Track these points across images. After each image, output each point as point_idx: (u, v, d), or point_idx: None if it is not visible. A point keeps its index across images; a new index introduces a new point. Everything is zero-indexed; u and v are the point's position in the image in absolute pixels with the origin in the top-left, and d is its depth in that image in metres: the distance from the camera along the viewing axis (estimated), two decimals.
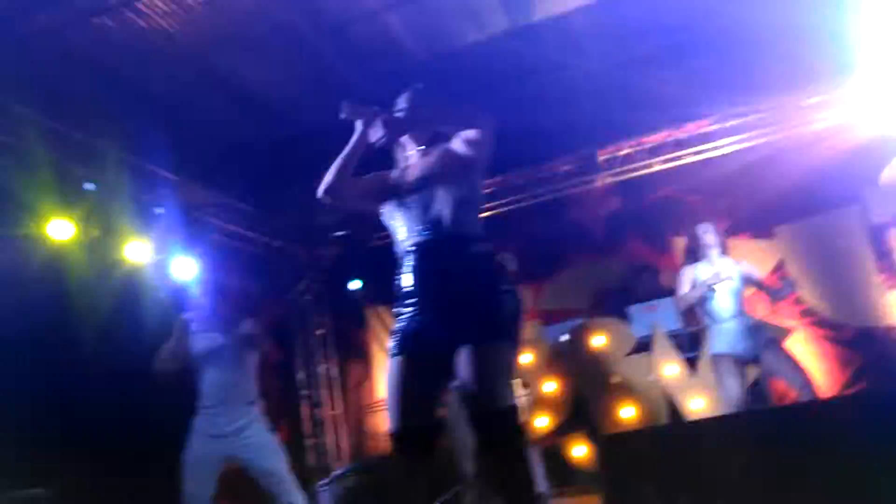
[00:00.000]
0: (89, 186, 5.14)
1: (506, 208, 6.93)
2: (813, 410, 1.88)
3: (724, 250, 4.36)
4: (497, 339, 2.23)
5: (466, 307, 2.26)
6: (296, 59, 5.29)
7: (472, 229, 2.45)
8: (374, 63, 5.69)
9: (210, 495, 3.73)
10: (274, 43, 5.25)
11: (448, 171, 2.51)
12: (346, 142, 2.57)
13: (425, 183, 2.49)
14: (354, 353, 7.71)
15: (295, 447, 7.12)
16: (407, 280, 2.38)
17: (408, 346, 2.30)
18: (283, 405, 7.29)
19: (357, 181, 2.60)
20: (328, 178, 2.53)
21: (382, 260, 2.88)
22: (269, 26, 5.06)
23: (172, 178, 5.98)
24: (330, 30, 5.24)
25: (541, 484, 4.17)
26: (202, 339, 4.01)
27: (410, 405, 2.24)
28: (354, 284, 7.28)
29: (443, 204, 2.43)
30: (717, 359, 4.19)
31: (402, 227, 2.50)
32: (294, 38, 5.22)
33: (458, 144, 2.55)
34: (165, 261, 5.26)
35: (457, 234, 2.39)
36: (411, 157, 2.66)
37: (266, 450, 3.83)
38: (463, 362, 2.18)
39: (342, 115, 2.49)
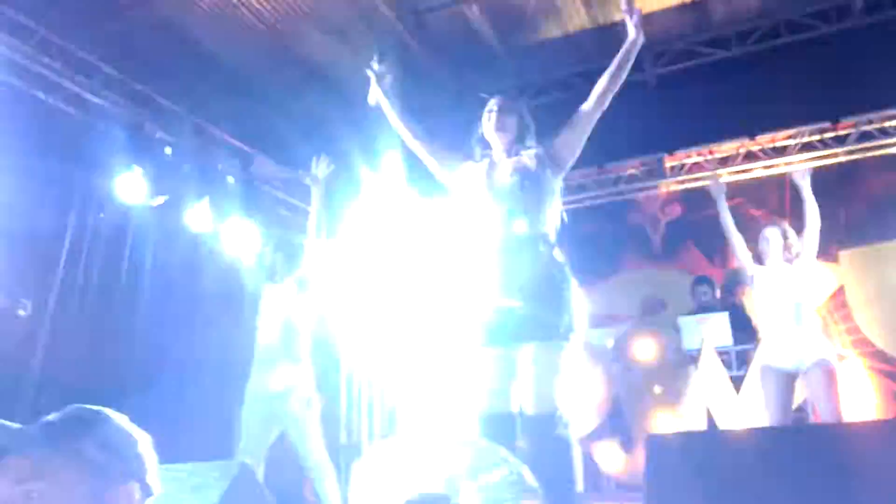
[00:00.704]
0: (166, 150, 5.33)
1: (567, 206, 6.87)
2: (853, 431, 1.84)
3: (789, 259, 4.20)
4: (564, 339, 2.43)
5: (544, 307, 2.45)
6: (374, 43, 5.37)
7: (551, 232, 2.64)
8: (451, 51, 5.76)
9: (258, 449, 3.83)
10: (354, 25, 5.35)
11: (541, 173, 2.66)
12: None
13: (520, 183, 2.64)
14: None
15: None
16: (492, 273, 2.56)
17: (489, 339, 2.51)
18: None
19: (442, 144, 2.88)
20: (402, 131, 2.90)
21: None
22: (350, 9, 5.16)
23: (246, 148, 6.14)
24: (409, 14, 5.32)
25: (578, 482, 4.19)
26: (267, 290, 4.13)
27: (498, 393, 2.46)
28: None
29: (532, 205, 2.60)
30: (765, 370, 4.08)
31: (488, 221, 2.66)
32: (374, 21, 5.32)
33: (558, 146, 2.70)
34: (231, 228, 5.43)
35: (540, 236, 2.58)
36: (501, 156, 2.79)
37: (300, 423, 3.86)
38: (527, 360, 2.39)
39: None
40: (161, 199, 5.19)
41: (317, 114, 7.35)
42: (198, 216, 5.32)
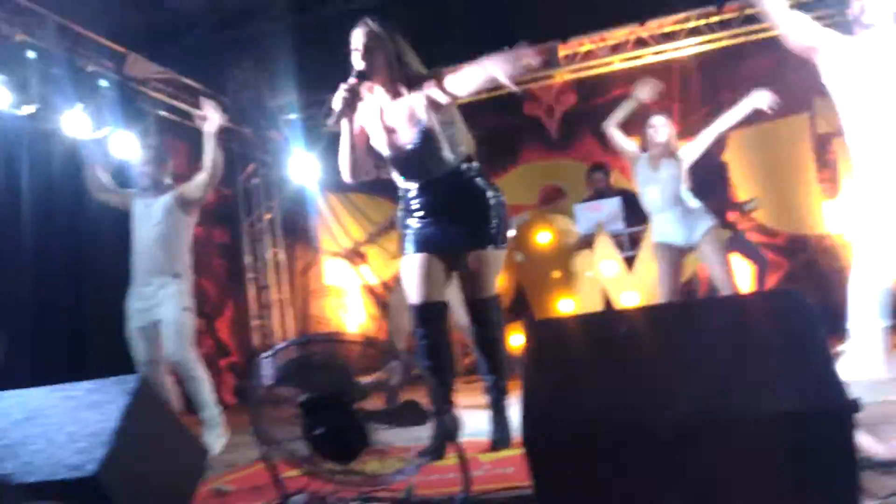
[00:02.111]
0: (30, 53, 4.87)
1: (464, 100, 6.81)
2: (738, 303, 1.97)
3: (672, 147, 4.42)
4: (488, 245, 2.80)
5: (464, 222, 2.80)
6: None
7: (461, 157, 2.82)
8: None
9: (154, 360, 3.91)
10: None
11: (433, 115, 2.74)
12: (300, 15, 2.70)
13: (416, 135, 2.76)
14: (303, 237, 7.71)
15: (240, 327, 7.23)
16: (419, 206, 2.86)
17: (422, 247, 2.85)
18: (230, 286, 7.33)
19: (369, 155, 2.94)
20: (346, 168, 2.92)
21: (334, 146, 2.95)
22: None
23: (117, 48, 5.69)
24: None
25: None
26: (139, 203, 4.04)
27: (427, 289, 2.84)
28: (305, 169, 7.17)
29: (438, 148, 2.75)
30: (655, 247, 4.40)
31: (401, 174, 2.89)
32: None
33: (433, 91, 2.72)
34: (106, 136, 5.10)
35: (454, 166, 2.79)
36: (387, 104, 2.83)
37: (171, 328, 3.87)
38: (462, 262, 2.82)
39: (332, 125, 2.81)
40: (30, 109, 4.78)
41: (194, 9, 6.89)
42: (74, 122, 4.93)
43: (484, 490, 1.98)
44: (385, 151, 2.88)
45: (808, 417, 1.43)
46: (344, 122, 2.83)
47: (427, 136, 2.77)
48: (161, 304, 3.89)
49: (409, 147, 2.81)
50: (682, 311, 1.96)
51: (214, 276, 7.11)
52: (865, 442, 1.95)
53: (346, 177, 2.96)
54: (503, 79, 2.56)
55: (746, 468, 1.47)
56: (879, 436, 2.02)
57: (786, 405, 1.46)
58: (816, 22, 3.18)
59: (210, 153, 3.98)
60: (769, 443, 1.46)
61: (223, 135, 6.83)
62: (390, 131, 2.85)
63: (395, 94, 2.82)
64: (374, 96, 2.87)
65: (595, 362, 1.71)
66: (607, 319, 1.99)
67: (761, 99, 4.30)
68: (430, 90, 2.74)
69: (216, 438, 3.89)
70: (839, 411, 1.41)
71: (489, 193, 2.86)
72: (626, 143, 4.51)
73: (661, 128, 4.42)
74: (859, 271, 3.05)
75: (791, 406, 1.45)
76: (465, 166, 2.84)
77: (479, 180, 2.86)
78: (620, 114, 4.50)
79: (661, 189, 4.36)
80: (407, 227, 2.94)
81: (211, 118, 3.99)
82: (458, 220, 2.82)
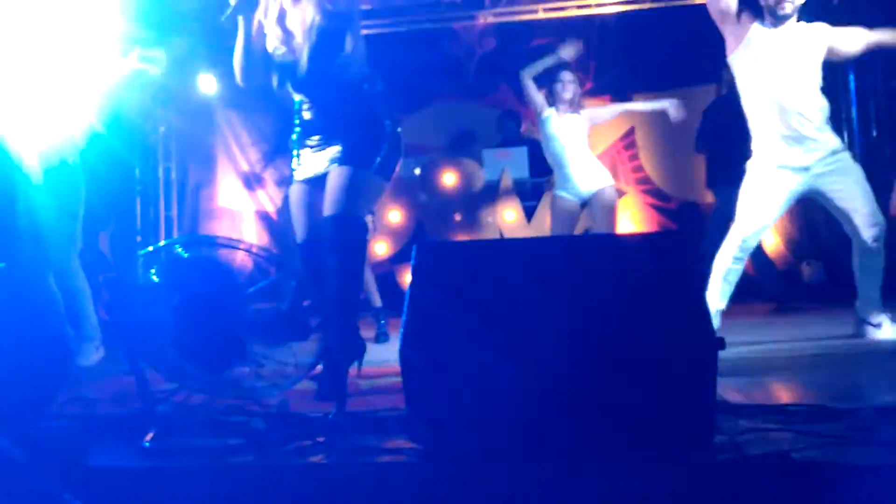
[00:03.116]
0: None
1: (381, 30, 6.64)
2: (617, 241, 2.01)
3: (578, 104, 4.47)
4: (355, 163, 2.56)
5: (344, 138, 2.60)
6: None
7: (352, 74, 2.63)
8: None
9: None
10: None
11: (323, 26, 2.57)
12: None
13: (311, 39, 2.58)
14: (198, 155, 7.36)
15: (124, 242, 6.88)
16: (305, 122, 2.69)
17: (306, 173, 2.67)
18: (117, 198, 6.94)
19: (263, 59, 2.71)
20: (239, 70, 2.70)
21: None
22: None
23: None
24: None
25: (376, 300, 4.39)
26: None
27: (309, 220, 2.64)
28: (207, 81, 6.82)
29: (330, 56, 2.58)
30: (554, 200, 4.48)
31: (292, 81, 2.67)
32: None
33: None
34: None
35: (339, 83, 2.61)
36: (288, 7, 2.65)
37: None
38: (328, 179, 2.57)
39: (224, 20, 2.61)
40: None
41: None
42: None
43: (357, 411, 1.96)
44: (280, 57, 2.68)
45: (675, 350, 1.48)
46: (240, 20, 2.62)
47: (323, 40, 2.59)
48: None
49: (304, 51, 2.62)
50: (570, 244, 1.99)
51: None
52: (720, 388, 2.06)
53: (239, 79, 2.73)
54: None
55: (617, 394, 1.51)
56: (733, 385, 2.15)
57: (654, 338, 1.50)
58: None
59: None
60: (638, 370, 1.50)
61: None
62: (287, 34, 2.66)
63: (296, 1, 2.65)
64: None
65: (479, 288, 1.70)
66: (497, 247, 1.99)
67: (673, 109, 4.49)
68: None
69: (90, 353, 3.73)
70: (705, 347, 1.47)
71: (377, 119, 2.67)
72: (537, 96, 4.52)
73: (568, 83, 4.45)
74: (739, 259, 3.21)
75: (659, 339, 1.49)
76: (365, 86, 2.67)
77: (370, 101, 2.67)
78: (539, 66, 4.50)
79: (562, 144, 4.41)
80: (294, 149, 2.75)
81: None
82: (337, 139, 2.62)
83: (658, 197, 6.70)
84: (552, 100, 4.47)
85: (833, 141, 3.23)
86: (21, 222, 3.71)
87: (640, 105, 4.58)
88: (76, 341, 3.72)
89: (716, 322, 3.16)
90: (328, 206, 2.53)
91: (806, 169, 3.18)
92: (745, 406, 1.80)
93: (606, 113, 4.61)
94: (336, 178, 2.56)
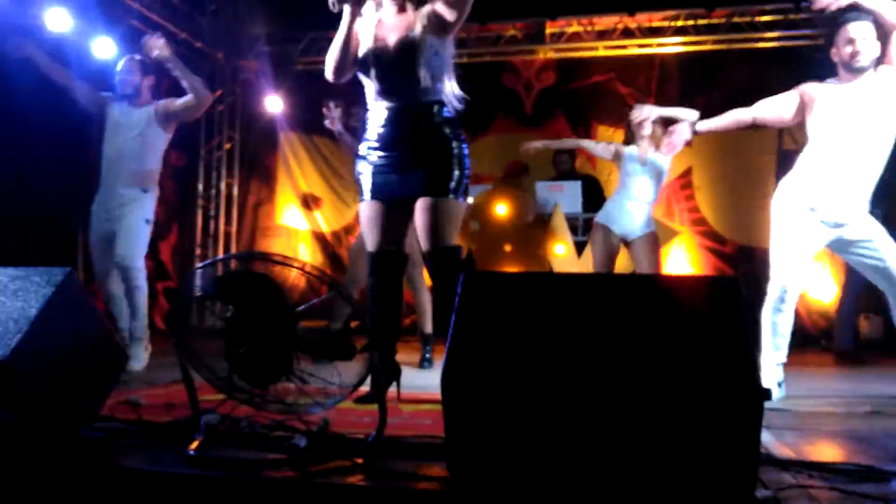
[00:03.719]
0: None
1: None
2: (666, 282, 1.99)
3: (656, 142, 4.45)
4: (448, 194, 2.67)
5: (429, 166, 2.67)
6: None
7: (440, 94, 2.71)
8: None
9: (108, 270, 3.95)
10: None
11: (428, 34, 2.62)
12: None
13: (404, 46, 2.64)
14: (259, 173, 7.57)
15: (182, 254, 7.09)
16: (380, 136, 2.74)
17: (378, 194, 2.77)
18: (179, 210, 7.17)
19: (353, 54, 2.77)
20: (332, 62, 2.74)
21: (305, 85, 2.87)
22: None
23: None
24: None
25: (427, 327, 4.42)
26: (115, 109, 4.00)
27: (385, 236, 2.78)
28: (272, 103, 7.02)
29: (419, 68, 2.62)
30: (596, 226, 4.48)
31: (375, 87, 2.73)
32: None
33: (440, 6, 2.61)
34: (86, 36, 4.95)
35: (428, 101, 2.68)
36: (388, 16, 2.72)
37: (129, 234, 3.87)
38: (419, 210, 2.69)
39: (333, 9, 2.63)
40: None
41: None
42: (57, 20, 4.79)
43: (397, 435, 1.98)
44: (367, 60, 2.73)
45: (720, 398, 1.46)
46: (347, 10, 2.65)
47: (411, 48, 2.63)
48: (123, 215, 3.87)
49: (390, 55, 2.67)
50: (619, 283, 1.98)
51: (164, 198, 6.92)
52: (769, 441, 2.02)
53: (329, 72, 2.77)
54: None
55: (658, 440, 1.50)
56: (783, 440, 2.10)
57: (701, 385, 1.48)
58: None
59: (183, 76, 3.90)
60: (682, 417, 1.48)
61: (195, 55, 6.66)
62: (379, 41, 2.71)
63: (401, 10, 2.71)
64: (378, 8, 2.75)
65: (525, 321, 1.71)
66: (546, 280, 1.99)
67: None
68: (437, 4, 2.63)
69: (140, 351, 3.87)
70: (750, 396, 1.44)
71: (454, 143, 2.73)
72: (602, 148, 4.62)
73: (646, 122, 4.42)
74: (785, 307, 3.13)
75: (704, 386, 1.48)
76: (437, 107, 2.72)
77: (448, 126, 2.73)
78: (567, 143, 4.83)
79: (642, 181, 4.41)
80: (364, 163, 2.81)
81: (156, 47, 3.85)
82: (418, 164, 2.69)
83: (714, 239, 6.61)
84: (630, 138, 4.48)
85: (868, 201, 3.13)
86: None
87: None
88: (129, 341, 3.86)
89: (778, 374, 3.08)
90: (440, 238, 2.67)
91: (841, 225, 3.09)
92: (792, 461, 1.75)
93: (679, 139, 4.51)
94: (434, 211, 2.67)
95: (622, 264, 4.67)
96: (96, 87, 4.10)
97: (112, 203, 3.91)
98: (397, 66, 2.67)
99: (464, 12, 2.63)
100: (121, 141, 3.92)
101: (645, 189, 4.41)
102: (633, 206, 4.40)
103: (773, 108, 3.32)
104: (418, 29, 2.63)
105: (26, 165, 5.06)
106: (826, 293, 6.15)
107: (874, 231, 3.10)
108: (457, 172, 2.71)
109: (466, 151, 2.79)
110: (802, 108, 3.22)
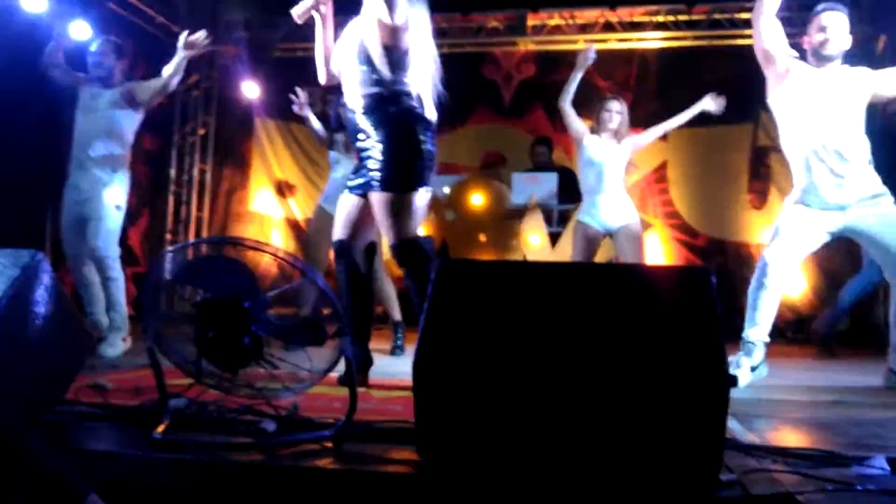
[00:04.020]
0: None
1: None
2: (638, 272, 2.00)
3: (620, 135, 4.48)
4: (399, 189, 2.72)
5: (390, 158, 2.70)
6: None
7: (400, 84, 2.75)
8: None
9: (81, 255, 3.91)
10: None
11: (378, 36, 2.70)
12: None
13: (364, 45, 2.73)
14: (233, 159, 7.49)
15: (152, 239, 7.01)
16: (351, 126, 2.83)
17: (352, 186, 2.85)
18: (151, 195, 7.08)
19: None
20: (321, 71, 2.94)
21: (282, 72, 2.90)
22: None
23: None
24: None
25: (396, 314, 4.41)
26: (86, 91, 3.96)
27: (341, 226, 2.87)
28: (249, 89, 6.95)
29: (382, 63, 2.69)
30: (578, 225, 4.49)
31: (351, 84, 2.80)
32: None
33: (382, 13, 2.67)
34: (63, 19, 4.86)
35: (394, 92, 2.72)
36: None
37: (101, 224, 3.84)
38: (376, 204, 2.74)
39: (298, 21, 2.79)
40: None
41: None
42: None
43: (367, 420, 1.98)
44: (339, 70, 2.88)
45: (688, 384, 1.48)
46: (317, 17, 2.81)
47: (366, 52, 2.73)
48: (94, 198, 3.83)
49: (351, 62, 2.79)
50: (590, 271, 1.99)
51: (136, 183, 6.82)
52: (735, 427, 2.05)
53: (322, 77, 2.95)
54: None
55: (626, 426, 1.51)
56: (749, 426, 2.12)
57: (669, 371, 1.50)
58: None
59: (173, 68, 3.89)
60: (649, 403, 1.50)
61: (171, 39, 6.56)
62: (346, 48, 2.84)
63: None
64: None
65: (498, 309, 1.71)
66: (519, 269, 2.00)
67: (712, 103, 4.43)
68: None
69: (117, 340, 3.82)
70: (716, 383, 1.46)
71: (419, 134, 2.74)
72: (577, 123, 4.54)
73: (615, 114, 4.47)
74: (767, 282, 3.16)
75: (672, 373, 1.49)
76: (405, 95, 2.75)
77: (410, 114, 2.75)
78: (571, 87, 4.52)
79: (599, 172, 4.42)
80: (336, 151, 2.92)
81: (198, 44, 3.89)
82: (378, 156, 2.74)
83: (686, 232, 6.68)
84: (597, 128, 4.49)
85: (874, 183, 3.16)
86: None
87: (678, 119, 4.53)
88: (107, 330, 3.82)
89: (758, 355, 3.13)
90: (387, 232, 2.75)
91: (842, 208, 3.12)
92: (756, 447, 1.78)
93: (648, 137, 4.59)
94: (383, 204, 2.72)
95: (602, 256, 4.70)
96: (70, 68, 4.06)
97: (83, 184, 3.86)
98: (355, 69, 2.76)
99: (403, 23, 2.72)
100: (91, 122, 3.89)
101: (609, 178, 4.41)
102: (607, 197, 4.41)
103: (777, 34, 3.25)
104: (370, 35, 2.72)
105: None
106: (794, 288, 6.24)
107: (883, 215, 3.10)
108: (415, 164, 2.74)
109: (431, 146, 2.79)
110: (780, 63, 3.21)
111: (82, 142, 3.90)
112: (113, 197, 3.87)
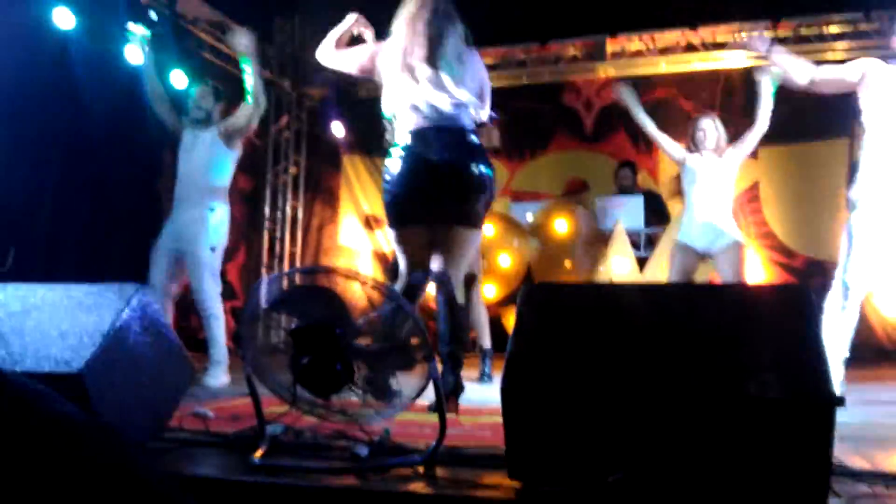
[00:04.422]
0: None
1: (504, 83, 6.81)
2: (742, 292, 1.94)
3: (720, 150, 4.35)
4: (464, 223, 2.81)
5: (449, 193, 2.75)
6: None
7: (467, 121, 2.83)
8: None
9: (164, 284, 3.98)
10: None
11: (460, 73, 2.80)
12: None
13: (435, 71, 2.78)
14: (323, 195, 7.74)
15: (249, 274, 7.28)
16: (404, 160, 2.82)
17: (403, 217, 2.87)
18: (247, 232, 7.39)
19: (350, 52, 3.00)
20: (324, 45, 3.00)
21: (367, 111, 3.01)
22: None
23: None
24: None
25: (486, 342, 4.44)
26: (188, 133, 4.15)
27: (412, 259, 2.90)
28: (336, 128, 7.19)
29: (446, 95, 2.75)
30: (675, 245, 4.36)
31: (405, 109, 2.84)
32: None
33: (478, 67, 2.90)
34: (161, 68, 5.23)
35: (453, 126, 2.78)
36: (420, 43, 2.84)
37: (199, 263, 3.96)
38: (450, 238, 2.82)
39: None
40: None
41: None
42: (134, 51, 5.09)
43: (457, 445, 1.98)
44: (399, 83, 2.88)
45: (792, 405, 1.42)
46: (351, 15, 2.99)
47: (441, 78, 2.78)
48: (194, 237, 3.96)
49: (424, 79, 2.81)
50: (685, 292, 1.94)
51: (232, 221, 7.14)
52: (842, 451, 1.94)
53: (322, 52, 3.05)
54: None
55: (726, 448, 1.46)
56: (860, 452, 2.01)
57: (770, 391, 1.44)
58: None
59: (252, 78, 4.03)
60: (751, 425, 1.44)
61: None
62: (410, 69, 2.85)
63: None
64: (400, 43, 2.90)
65: (588, 331, 1.70)
66: (609, 291, 1.97)
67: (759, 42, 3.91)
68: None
69: (218, 376, 3.93)
70: (822, 403, 1.39)
71: (480, 167, 2.80)
72: (673, 147, 4.44)
73: (709, 131, 4.34)
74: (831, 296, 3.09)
75: (776, 392, 1.44)
76: (470, 127, 2.82)
77: (476, 146, 2.82)
78: (641, 118, 4.45)
79: (704, 192, 4.28)
80: (389, 186, 2.92)
81: (246, 41, 4.02)
82: (440, 190, 2.77)
83: (783, 253, 6.41)
84: (695, 149, 4.39)
85: None
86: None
87: (764, 105, 4.29)
88: (209, 364, 3.95)
89: (841, 371, 3.01)
90: (448, 265, 2.81)
91: None
92: (865, 472, 1.68)
93: (749, 141, 4.37)
94: (457, 238, 2.81)
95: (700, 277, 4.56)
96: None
97: (183, 223, 4.00)
98: (426, 87, 2.80)
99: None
100: (192, 162, 4.07)
101: (712, 197, 4.28)
102: (702, 219, 4.27)
103: (837, 71, 3.41)
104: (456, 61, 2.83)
105: (104, 186, 5.34)
106: None
107: None
108: (479, 200, 2.81)
109: (492, 177, 2.85)
110: (861, 81, 3.28)
111: (184, 181, 4.08)
112: (208, 238, 3.98)
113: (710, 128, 4.36)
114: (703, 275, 4.60)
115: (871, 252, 3.10)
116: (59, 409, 1.62)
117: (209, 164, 4.07)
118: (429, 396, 2.01)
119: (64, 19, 4.74)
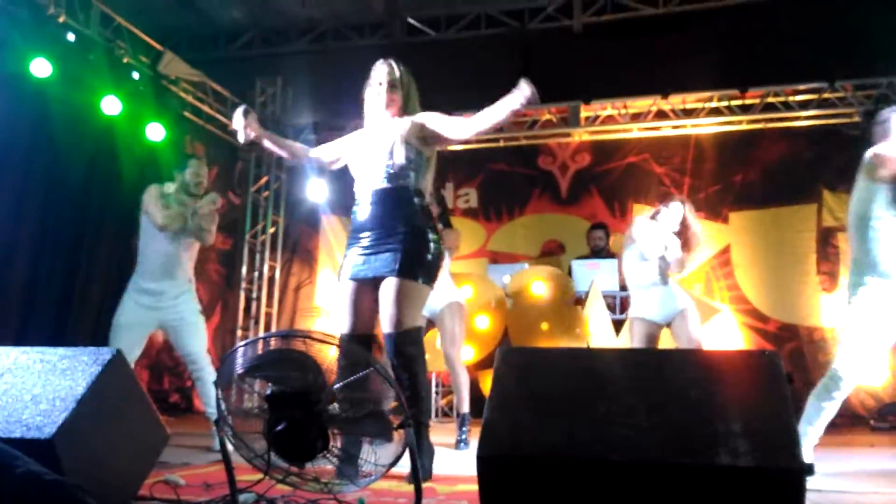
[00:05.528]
0: (70, 36, 5.07)
1: (479, 145, 6.95)
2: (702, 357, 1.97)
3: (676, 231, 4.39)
4: (405, 275, 2.73)
5: (398, 248, 2.75)
6: None
7: (419, 183, 2.86)
8: None
9: (135, 358, 3.91)
10: None
11: (417, 138, 2.85)
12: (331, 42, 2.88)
13: (390, 142, 2.85)
14: (301, 255, 7.74)
15: (224, 335, 7.21)
16: (361, 218, 2.87)
17: (356, 274, 2.83)
18: (222, 291, 7.34)
19: (329, 149, 3.09)
20: (284, 152, 3.25)
21: (345, 171, 3.02)
22: None
23: (155, 45, 5.85)
24: None
25: (463, 406, 4.38)
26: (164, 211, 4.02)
27: (356, 319, 2.85)
28: (316, 189, 7.25)
29: (401, 160, 2.80)
30: (634, 322, 4.36)
31: (363, 174, 2.90)
32: None
33: (436, 124, 2.85)
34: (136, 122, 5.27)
35: (405, 187, 2.82)
36: (384, 123, 2.94)
37: (192, 329, 3.96)
38: (383, 290, 2.75)
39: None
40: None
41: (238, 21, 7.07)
42: (110, 105, 5.16)
43: None
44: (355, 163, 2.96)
45: (761, 474, 1.43)
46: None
47: (393, 147, 2.83)
48: (178, 307, 3.94)
49: (373, 149, 2.88)
50: (657, 358, 1.97)
51: (208, 281, 7.13)
52: None
53: (288, 155, 3.26)
54: (513, 108, 2.68)
55: None
56: None
57: (742, 460, 1.46)
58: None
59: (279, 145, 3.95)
60: (721, 492, 1.45)
61: (244, 145, 6.97)
62: (367, 148, 2.92)
63: (390, 125, 2.91)
64: (367, 129, 3.00)
65: (562, 395, 1.72)
66: (581, 356, 1.99)
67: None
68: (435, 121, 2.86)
69: (214, 437, 3.85)
70: (791, 472, 1.41)
71: (428, 233, 2.82)
72: (649, 241, 4.33)
73: (677, 215, 4.36)
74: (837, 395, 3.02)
75: (746, 461, 1.45)
76: (417, 197, 2.84)
77: (422, 214, 2.84)
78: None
79: (653, 267, 4.31)
80: (348, 248, 2.93)
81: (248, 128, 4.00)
82: (387, 245, 2.78)
83: (756, 317, 6.47)
84: (654, 216, 4.41)
85: None
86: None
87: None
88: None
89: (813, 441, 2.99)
90: (386, 321, 2.71)
91: None
92: None
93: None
94: (391, 290, 2.72)
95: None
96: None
97: (156, 292, 3.91)
98: (376, 156, 2.85)
99: (456, 142, 2.95)
100: (177, 238, 3.99)
101: (663, 271, 4.30)
102: (662, 290, 4.29)
103: None
104: (408, 137, 2.84)
105: (81, 242, 5.35)
106: (878, 377, 5.95)
107: None
108: (425, 256, 2.78)
109: (437, 245, 2.86)
110: None
111: (159, 250, 3.95)
112: (195, 303, 4.03)
113: (678, 212, 4.34)
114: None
115: (870, 347, 2.99)
116: (30, 468, 1.60)
117: (191, 240, 4.05)
118: (405, 465, 1.99)
119: (41, 69, 4.75)
